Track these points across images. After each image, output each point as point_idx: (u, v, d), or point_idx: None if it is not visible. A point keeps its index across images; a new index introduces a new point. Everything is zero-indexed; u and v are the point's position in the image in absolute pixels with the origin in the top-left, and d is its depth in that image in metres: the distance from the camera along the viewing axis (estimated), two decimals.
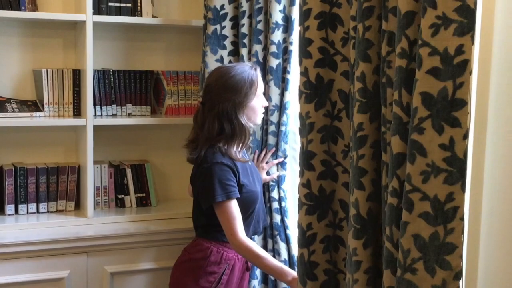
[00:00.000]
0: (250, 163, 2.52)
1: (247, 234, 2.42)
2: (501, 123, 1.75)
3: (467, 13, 1.53)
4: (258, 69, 2.47)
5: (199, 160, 2.40)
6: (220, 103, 2.36)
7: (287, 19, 2.59)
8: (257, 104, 2.45)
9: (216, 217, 2.37)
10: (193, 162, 2.45)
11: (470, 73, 1.56)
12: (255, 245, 2.35)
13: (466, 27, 1.53)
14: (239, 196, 2.37)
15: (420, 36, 1.56)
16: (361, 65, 1.81)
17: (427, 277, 1.61)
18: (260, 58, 2.68)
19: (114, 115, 2.97)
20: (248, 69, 2.41)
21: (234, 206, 2.35)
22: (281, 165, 2.73)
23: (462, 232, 1.60)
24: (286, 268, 2.33)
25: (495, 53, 1.77)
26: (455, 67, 1.55)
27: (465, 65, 1.54)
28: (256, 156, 2.73)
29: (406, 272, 1.63)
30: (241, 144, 2.43)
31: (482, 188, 1.81)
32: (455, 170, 1.57)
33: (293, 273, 2.30)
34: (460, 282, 1.61)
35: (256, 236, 2.73)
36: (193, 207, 2.52)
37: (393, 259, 1.70)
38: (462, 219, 1.59)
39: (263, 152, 2.73)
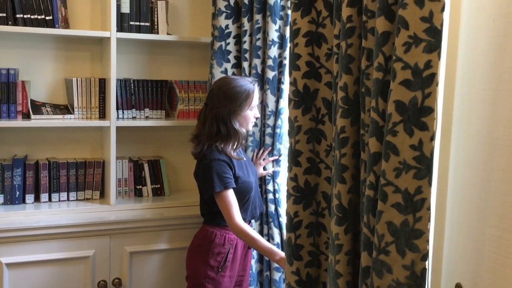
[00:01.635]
0: (245, 159, 2.50)
1: (245, 219, 2.42)
2: (464, 127, 1.75)
3: (435, 34, 1.53)
4: (257, 85, 2.45)
5: (200, 156, 2.40)
6: (218, 107, 2.36)
7: (282, 37, 2.58)
8: (250, 114, 2.43)
9: (217, 205, 2.37)
10: (196, 157, 2.44)
11: (437, 84, 1.56)
12: (249, 228, 2.34)
13: (434, 45, 1.54)
14: (235, 186, 2.36)
15: (394, 53, 1.56)
16: (344, 77, 1.81)
17: (398, 258, 1.61)
18: (259, 71, 2.67)
19: (134, 117, 2.95)
20: (247, 84, 2.40)
21: (231, 195, 2.34)
22: (276, 162, 2.73)
23: (429, 220, 1.60)
24: (275, 249, 2.32)
25: (459, 67, 1.77)
26: (424, 79, 1.55)
27: (433, 77, 1.55)
28: (255, 154, 2.72)
29: (380, 254, 1.63)
30: (235, 145, 2.42)
31: (447, 182, 1.82)
32: (423, 167, 1.58)
33: (281, 253, 2.29)
34: (427, 262, 1.61)
35: (253, 222, 2.72)
36: (200, 199, 2.51)
37: (369, 243, 1.71)
38: (428, 209, 1.59)
39: (261, 151, 2.72)
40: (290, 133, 2.08)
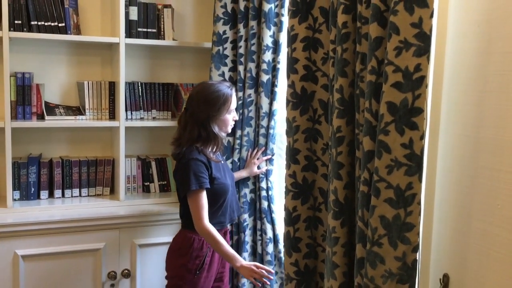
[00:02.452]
0: (222, 162, 2.46)
1: (224, 222, 2.39)
2: (451, 127, 1.74)
3: (424, 38, 1.53)
4: (234, 89, 2.41)
5: (179, 157, 2.34)
6: (198, 112, 2.30)
7: (276, 43, 2.54)
8: (228, 118, 2.38)
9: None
10: (175, 158, 2.39)
11: (426, 86, 1.56)
12: (216, 231, 2.27)
13: (423, 50, 1.54)
14: (209, 186, 2.29)
15: (386, 57, 1.56)
16: (339, 79, 1.81)
17: (390, 250, 1.61)
18: (254, 74, 2.64)
19: (141, 118, 2.94)
20: (225, 88, 2.34)
21: (203, 197, 2.27)
22: (269, 161, 2.70)
23: (419, 214, 1.60)
24: (237, 255, 2.27)
25: (447, 70, 1.76)
26: (414, 82, 1.55)
27: (422, 80, 1.55)
28: (249, 154, 2.70)
29: (374, 246, 1.63)
30: (215, 148, 2.36)
31: (435, 178, 1.81)
32: (413, 164, 1.58)
33: (242, 261, 2.25)
34: (417, 254, 1.62)
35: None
36: (179, 200, 2.43)
37: (363, 235, 1.71)
38: (419, 203, 1.59)
39: (255, 151, 2.70)
40: (288, 133, 2.08)
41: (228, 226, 2.63)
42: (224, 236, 2.43)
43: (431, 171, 1.82)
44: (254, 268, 2.22)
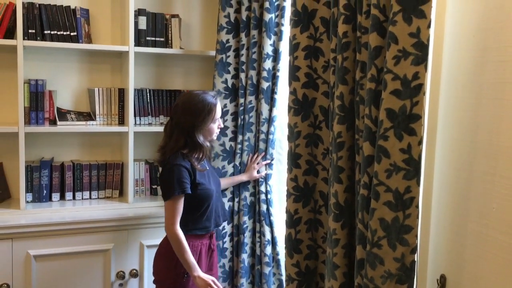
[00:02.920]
0: (208, 168, 2.40)
1: (209, 227, 2.35)
2: (448, 132, 1.74)
3: (422, 48, 1.54)
4: (219, 99, 2.37)
5: (164, 163, 2.30)
6: (183, 122, 2.26)
7: (276, 51, 2.55)
8: (213, 127, 2.33)
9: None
10: (161, 164, 2.36)
11: (424, 94, 1.56)
12: (184, 238, 2.23)
13: (421, 58, 1.54)
14: (190, 192, 2.25)
15: (385, 65, 1.57)
16: (340, 87, 1.81)
17: (389, 251, 1.61)
18: (254, 81, 2.63)
19: (149, 123, 2.95)
20: (209, 98, 2.30)
21: (180, 202, 2.24)
22: (269, 165, 2.69)
23: (417, 217, 1.60)
24: (197, 266, 2.23)
25: (443, 78, 1.77)
26: (412, 89, 1.55)
27: (420, 87, 1.55)
28: (249, 158, 2.69)
29: (373, 247, 1.63)
30: (200, 156, 2.31)
31: (432, 182, 1.81)
32: (412, 169, 1.58)
33: (200, 272, 2.22)
34: (415, 255, 1.61)
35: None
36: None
37: (363, 237, 1.71)
38: (417, 206, 1.59)
39: (255, 156, 2.69)
40: (290, 138, 2.07)
41: (226, 227, 2.63)
42: (210, 239, 2.41)
43: (428, 175, 1.82)
44: (211, 283, 2.20)
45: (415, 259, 1.61)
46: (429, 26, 1.52)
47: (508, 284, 1.48)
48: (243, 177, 2.69)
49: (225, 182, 2.66)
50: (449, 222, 1.72)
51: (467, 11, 1.65)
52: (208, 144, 2.35)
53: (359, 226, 1.72)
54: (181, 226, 2.26)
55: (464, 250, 1.64)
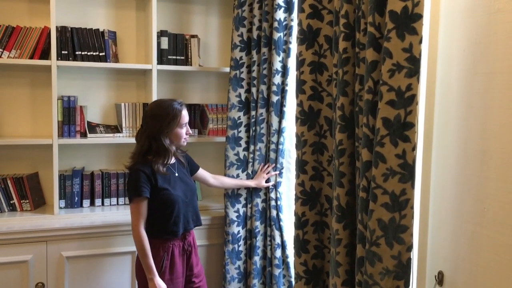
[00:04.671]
0: (177, 174, 2.35)
1: (177, 231, 2.29)
2: (442, 139, 1.76)
3: (414, 62, 1.56)
4: (184, 106, 2.34)
5: (129, 168, 2.30)
6: (151, 127, 2.26)
7: (284, 67, 2.56)
8: (180, 131, 2.31)
9: (149, 217, 2.25)
10: (128, 170, 2.33)
11: (417, 103, 1.57)
12: (146, 241, 2.20)
13: (413, 71, 1.56)
14: (148, 196, 2.22)
15: (381, 78, 1.59)
16: (341, 98, 1.83)
17: (387, 249, 1.62)
18: (265, 95, 2.65)
19: None
20: (175, 104, 2.29)
21: (143, 205, 2.22)
22: (279, 174, 2.69)
23: (412, 217, 1.61)
24: (155, 270, 2.20)
25: (437, 89, 1.79)
26: (406, 100, 1.57)
27: (413, 98, 1.56)
28: (260, 167, 2.70)
29: (372, 246, 1.64)
30: (165, 160, 2.29)
31: (429, 185, 1.83)
32: (406, 173, 1.59)
33: (157, 276, 2.20)
34: (411, 253, 1.62)
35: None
36: None
37: (363, 237, 1.72)
38: (412, 207, 1.60)
39: (266, 165, 2.69)
40: (297, 146, 2.09)
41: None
42: (183, 240, 2.33)
43: (426, 179, 1.83)
44: None
45: (411, 257, 1.62)
46: (420, 42, 1.54)
47: (501, 278, 1.49)
48: (251, 183, 2.69)
49: (232, 183, 2.68)
50: (445, 222, 1.74)
51: (458, 28, 1.68)
52: (174, 148, 2.32)
53: (359, 227, 1.73)
54: (148, 230, 2.25)
55: (460, 248, 1.66)
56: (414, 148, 1.58)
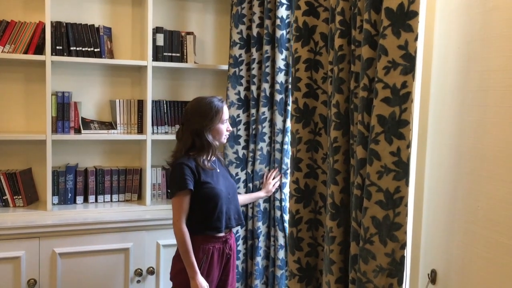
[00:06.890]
0: (218, 170, 2.36)
1: (220, 228, 2.27)
2: (437, 137, 1.77)
3: (410, 59, 1.55)
4: (225, 102, 2.37)
5: (172, 164, 2.31)
6: (193, 124, 2.28)
7: (288, 65, 2.56)
8: (222, 127, 2.32)
9: (190, 213, 2.25)
10: (170, 167, 2.35)
11: (412, 101, 1.57)
12: (188, 237, 2.19)
13: (409, 69, 1.55)
14: (192, 188, 2.21)
15: (377, 75, 1.59)
16: (336, 96, 1.83)
17: (381, 247, 1.62)
18: (268, 94, 2.63)
19: (166, 132, 2.98)
20: (216, 101, 2.31)
21: (185, 200, 2.21)
22: (284, 175, 2.66)
23: (406, 215, 1.61)
24: (197, 269, 2.18)
25: (432, 87, 1.80)
26: (401, 97, 1.56)
27: (408, 95, 1.56)
28: (265, 175, 2.68)
29: (366, 243, 1.64)
30: (209, 155, 2.31)
31: (423, 183, 1.83)
32: (401, 170, 1.58)
33: (199, 276, 2.17)
34: (405, 250, 1.62)
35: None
36: None
37: (357, 234, 1.71)
38: (406, 205, 1.60)
39: (271, 172, 2.67)
40: (292, 144, 2.09)
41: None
42: (224, 244, 2.32)
43: (420, 177, 1.84)
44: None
45: (405, 255, 1.62)
46: (416, 39, 1.54)
47: (493, 276, 1.50)
48: (261, 194, 2.65)
49: (244, 198, 2.62)
50: (439, 220, 1.74)
51: (453, 26, 1.68)
52: (217, 143, 2.33)
53: (353, 224, 1.73)
54: (191, 226, 2.23)
55: (453, 246, 1.66)
56: (408, 146, 1.58)
